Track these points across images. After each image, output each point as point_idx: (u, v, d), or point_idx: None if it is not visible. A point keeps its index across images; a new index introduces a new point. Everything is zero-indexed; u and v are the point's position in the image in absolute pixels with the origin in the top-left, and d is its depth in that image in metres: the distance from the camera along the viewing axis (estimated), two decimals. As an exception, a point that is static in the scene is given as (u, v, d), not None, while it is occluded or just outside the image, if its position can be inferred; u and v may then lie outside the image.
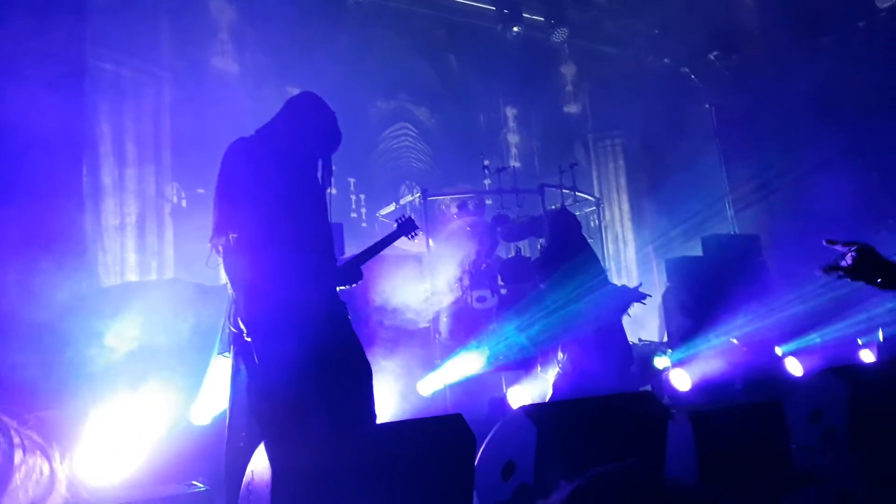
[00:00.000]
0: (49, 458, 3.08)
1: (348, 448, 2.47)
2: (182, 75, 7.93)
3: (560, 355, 5.08)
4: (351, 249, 5.50)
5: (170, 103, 7.83)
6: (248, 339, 2.88)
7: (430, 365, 5.68)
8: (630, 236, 11.37)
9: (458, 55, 10.70)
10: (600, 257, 6.59)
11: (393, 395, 5.00)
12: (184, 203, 7.78)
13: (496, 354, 5.61)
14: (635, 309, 5.27)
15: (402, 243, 7.38)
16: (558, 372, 5.04)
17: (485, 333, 5.73)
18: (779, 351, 6.75)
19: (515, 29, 10.26)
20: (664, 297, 7.15)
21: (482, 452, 3.03)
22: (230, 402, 3.04)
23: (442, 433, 2.68)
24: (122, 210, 7.26)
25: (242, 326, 2.89)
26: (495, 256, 7.11)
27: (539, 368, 5.61)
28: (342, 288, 3.20)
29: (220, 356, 3.16)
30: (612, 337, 5.02)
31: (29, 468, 2.92)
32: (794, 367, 6.63)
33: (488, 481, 2.97)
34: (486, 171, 7.77)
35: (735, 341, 6.44)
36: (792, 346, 6.75)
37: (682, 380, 6.29)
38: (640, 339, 7.84)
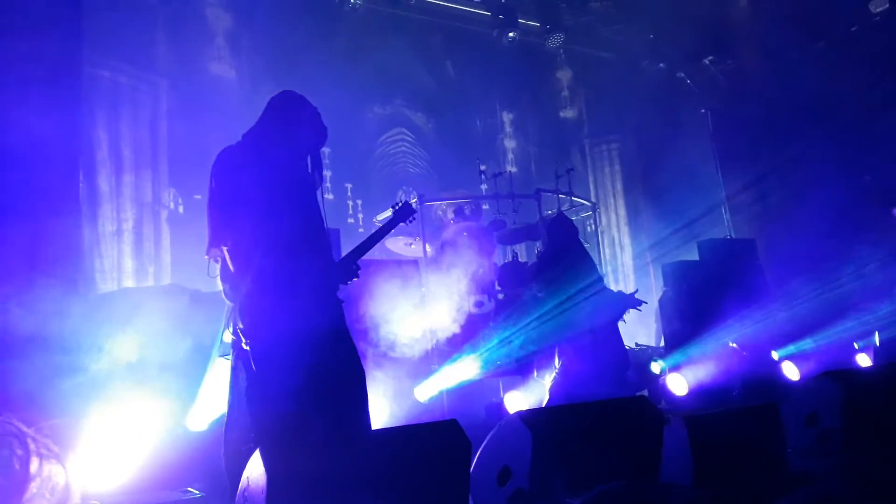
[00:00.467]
0: (65, 467, 3.09)
1: (344, 455, 2.48)
2: (179, 82, 7.94)
3: (556, 361, 5.10)
4: (348, 254, 5.46)
5: (166, 110, 7.84)
6: (246, 348, 2.89)
7: (426, 370, 5.67)
8: (627, 241, 11.38)
9: (455, 61, 10.71)
10: (597, 262, 6.60)
11: (389, 399, 5.00)
12: (181, 209, 7.79)
13: (493, 359, 5.61)
14: (631, 314, 5.29)
15: (400, 249, 7.44)
16: (555, 377, 5.05)
17: (482, 338, 5.72)
18: (775, 355, 6.76)
19: (511, 34, 10.28)
20: (661, 301, 7.14)
21: (478, 458, 3.03)
22: (229, 405, 3.05)
23: (437, 439, 2.69)
24: (119, 216, 7.26)
25: (241, 335, 2.91)
26: (492, 261, 7.12)
27: (536, 374, 5.61)
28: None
29: (221, 359, 3.17)
30: (609, 342, 5.04)
31: (45, 477, 2.92)
32: (791, 372, 6.64)
33: (484, 487, 2.97)
34: (483, 177, 7.76)
35: (734, 345, 6.44)
36: (788, 350, 6.76)
37: (678, 384, 6.29)
38: (636, 344, 7.84)
